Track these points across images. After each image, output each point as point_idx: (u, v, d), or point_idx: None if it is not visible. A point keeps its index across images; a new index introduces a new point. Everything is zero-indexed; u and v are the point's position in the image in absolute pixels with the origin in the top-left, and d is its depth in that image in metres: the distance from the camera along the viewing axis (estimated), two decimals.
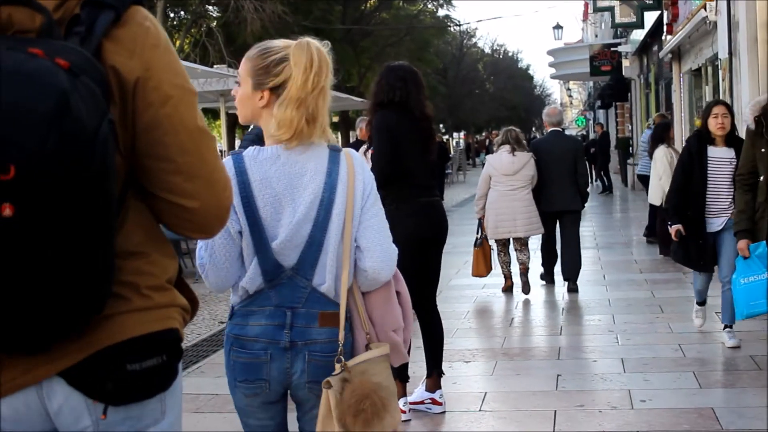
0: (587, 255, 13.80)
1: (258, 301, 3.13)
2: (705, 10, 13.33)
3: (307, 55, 3.06)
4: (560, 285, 11.29)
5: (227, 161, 3.06)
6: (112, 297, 1.90)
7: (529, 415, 6.19)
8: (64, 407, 1.95)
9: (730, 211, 7.39)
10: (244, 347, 3.12)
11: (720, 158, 7.56)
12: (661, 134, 12.51)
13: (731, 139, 7.59)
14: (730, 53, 12.05)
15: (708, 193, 7.59)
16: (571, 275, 10.91)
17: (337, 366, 3.06)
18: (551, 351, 7.99)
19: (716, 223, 7.61)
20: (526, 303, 10.42)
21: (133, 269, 1.98)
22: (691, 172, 7.61)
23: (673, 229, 7.73)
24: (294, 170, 3.10)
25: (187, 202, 2.00)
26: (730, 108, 7.83)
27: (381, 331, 3.22)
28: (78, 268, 1.79)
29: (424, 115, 5.93)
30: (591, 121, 62.75)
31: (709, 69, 15.70)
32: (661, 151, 12.12)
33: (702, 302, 8.26)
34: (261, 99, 3.12)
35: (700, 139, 7.67)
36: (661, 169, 11.99)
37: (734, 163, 7.35)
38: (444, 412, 6.21)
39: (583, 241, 14.91)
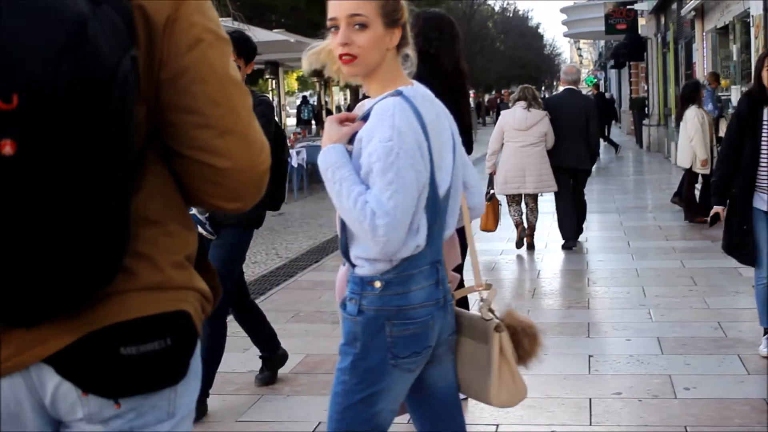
0: (609, 219, 13.35)
1: (415, 261, 2.87)
2: None
3: None
4: (584, 251, 10.77)
5: (398, 102, 2.82)
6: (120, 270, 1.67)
7: (561, 403, 5.54)
8: (57, 397, 1.70)
9: None
10: (408, 317, 2.88)
11: None
12: (692, 94, 12.19)
13: None
14: (765, 9, 11.30)
15: (761, 163, 6.07)
16: (580, 221, 11.15)
17: (487, 312, 3.07)
18: (580, 328, 7.30)
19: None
20: (549, 271, 9.79)
21: (148, 239, 1.75)
22: (741, 140, 6.17)
23: (712, 212, 6.45)
24: (438, 109, 2.98)
25: (218, 161, 1.77)
26: None
27: (447, 269, 3.09)
28: (87, 229, 1.57)
29: (457, 70, 5.32)
30: (602, 81, 62.11)
31: (737, 27, 14.94)
32: (692, 112, 11.89)
33: None
34: (392, 38, 2.92)
35: (752, 99, 6.18)
36: (692, 130, 11.70)
37: None
38: (466, 399, 5.55)
39: (602, 205, 14.62)
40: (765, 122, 6.09)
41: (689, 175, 12.54)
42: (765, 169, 6.06)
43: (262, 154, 1.84)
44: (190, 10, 1.77)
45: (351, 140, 2.91)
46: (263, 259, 11.08)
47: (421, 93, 2.94)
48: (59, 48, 1.50)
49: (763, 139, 6.08)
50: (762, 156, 6.08)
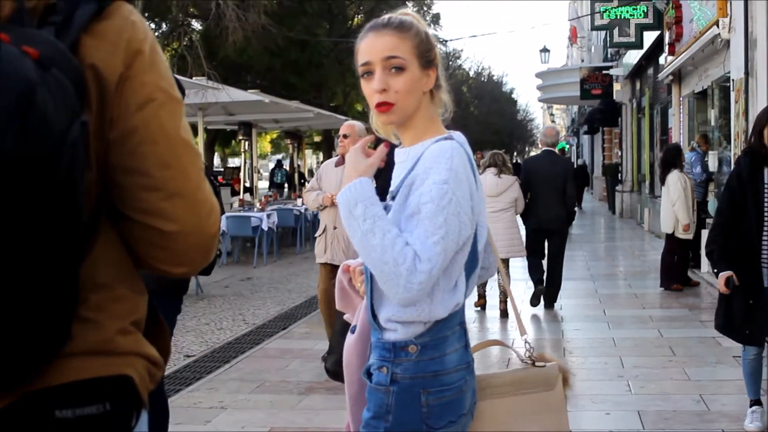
0: (583, 287, 13.10)
1: (449, 322, 2.64)
2: (717, 26, 12.47)
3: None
4: (560, 320, 10.47)
5: (455, 147, 2.61)
6: None
7: None
8: None
9: None
10: (444, 384, 2.62)
11: None
12: (674, 159, 12.20)
13: None
14: (747, 73, 11.18)
15: (766, 231, 5.58)
16: (553, 294, 11.27)
17: (541, 360, 2.99)
18: None
19: None
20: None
21: (95, 303, 1.67)
22: (742, 203, 5.63)
23: (722, 279, 5.67)
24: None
25: (164, 225, 1.71)
26: None
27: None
28: (35, 297, 1.50)
29: None
30: (574, 147, 62.36)
31: (716, 91, 14.85)
32: (674, 176, 11.90)
33: (756, 400, 6.12)
34: (428, 80, 2.69)
35: (754, 159, 5.64)
36: (675, 194, 11.68)
37: None
38: None
39: (576, 272, 14.39)
40: (767, 185, 5.59)
41: (669, 242, 12.37)
42: None
43: (211, 217, 1.77)
44: (143, 67, 1.70)
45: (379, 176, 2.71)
46: (229, 325, 10.72)
47: (463, 138, 2.75)
48: (6, 116, 1.43)
49: (766, 202, 5.58)
50: (766, 221, 5.58)
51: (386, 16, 2.72)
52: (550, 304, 11.24)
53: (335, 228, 7.89)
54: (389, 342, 2.64)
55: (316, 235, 8.35)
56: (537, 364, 2.94)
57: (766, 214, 5.59)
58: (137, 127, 1.67)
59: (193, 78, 16.39)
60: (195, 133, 27.50)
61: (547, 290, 11.20)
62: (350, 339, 2.92)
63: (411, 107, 2.66)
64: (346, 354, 2.93)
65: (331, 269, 7.91)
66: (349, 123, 7.99)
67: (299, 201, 19.10)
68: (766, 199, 5.59)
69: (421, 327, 2.60)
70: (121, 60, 1.67)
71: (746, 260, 5.62)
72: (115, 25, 1.68)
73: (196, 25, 24.46)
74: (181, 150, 1.72)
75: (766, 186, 5.59)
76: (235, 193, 24.01)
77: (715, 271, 5.84)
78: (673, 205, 11.94)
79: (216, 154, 48.99)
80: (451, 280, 2.59)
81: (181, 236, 1.73)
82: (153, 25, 23.38)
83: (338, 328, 6.81)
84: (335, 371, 5.43)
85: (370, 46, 2.66)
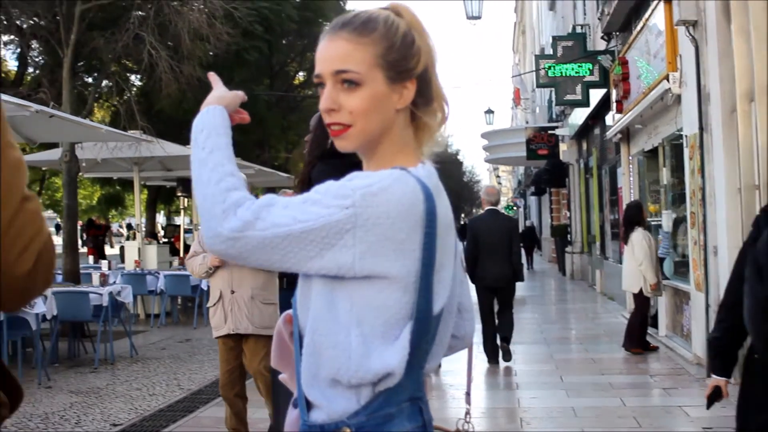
0: (537, 351, 12.59)
1: (392, 395, 1.98)
2: (668, 81, 12.07)
3: (419, 20, 2.12)
4: (514, 387, 9.79)
5: (410, 181, 1.96)
6: None
7: None
8: None
9: None
10: None
11: None
12: (635, 216, 11.85)
13: None
14: (701, 128, 10.73)
15: None
16: (506, 333, 11.40)
17: None
18: None
19: None
20: (476, 409, 8.80)
21: None
22: (758, 278, 3.96)
23: (710, 384, 4.42)
24: (449, 206, 2.11)
25: None
26: None
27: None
28: None
29: None
30: (521, 209, 62.32)
31: (667, 148, 14.45)
32: (638, 235, 11.84)
33: None
34: (401, 97, 2.08)
35: None
36: (641, 253, 11.52)
37: None
38: None
39: (529, 335, 13.92)
40: None
41: (638, 301, 11.93)
42: None
43: (25, 254, 1.60)
44: None
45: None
46: (162, 390, 9.94)
47: (435, 179, 2.10)
48: None
49: None
50: None
51: (354, 12, 2.11)
52: (507, 354, 11.30)
53: (233, 292, 6.89)
54: (316, 425, 2.00)
55: (209, 305, 7.15)
56: None
57: None
58: None
59: (128, 131, 15.67)
60: (130, 188, 26.86)
61: (501, 333, 11.41)
62: (293, 415, 2.20)
63: (373, 130, 2.07)
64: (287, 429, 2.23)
65: (234, 343, 6.96)
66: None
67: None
68: None
69: (353, 401, 1.96)
70: None
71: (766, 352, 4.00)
72: None
73: (134, 79, 23.88)
74: None
75: None
76: (175, 251, 23.21)
77: (711, 374, 4.51)
78: (640, 264, 11.62)
79: (161, 212, 48.19)
80: (391, 329, 1.96)
81: None
82: (90, 80, 22.66)
83: (278, 399, 6.10)
84: None
85: (321, 54, 2.07)
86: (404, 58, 2.06)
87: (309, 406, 2.03)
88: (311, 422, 2.00)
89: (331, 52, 2.04)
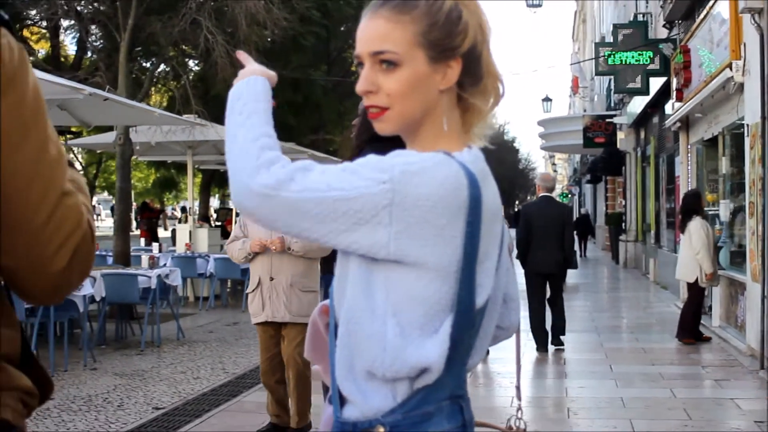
0: (587, 339, 12.46)
1: (431, 393, 1.88)
2: (730, 69, 11.84)
3: None
4: (563, 376, 9.75)
5: (453, 166, 1.87)
6: None
7: None
8: None
9: None
10: None
11: None
12: (693, 205, 11.65)
13: None
14: (763, 117, 10.53)
15: None
16: (561, 323, 11.51)
17: None
18: None
19: None
20: (523, 399, 8.72)
21: None
22: None
23: None
24: (497, 192, 2.05)
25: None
26: None
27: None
28: None
29: None
30: (576, 196, 61.86)
31: (727, 138, 14.21)
32: (696, 223, 11.63)
33: None
34: (444, 77, 1.96)
35: None
36: (698, 243, 11.37)
37: None
38: None
39: (579, 323, 13.79)
40: None
41: (692, 291, 11.79)
42: None
43: (61, 251, 1.61)
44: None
45: None
46: (207, 374, 9.97)
47: (482, 164, 2.02)
48: None
49: None
50: None
51: None
52: (558, 340, 11.46)
53: (272, 279, 6.79)
54: (348, 422, 1.92)
55: (248, 291, 7.07)
56: None
57: None
58: None
59: (183, 115, 15.75)
60: (184, 171, 27.03)
61: (555, 323, 11.51)
62: (327, 412, 2.11)
63: (414, 112, 1.97)
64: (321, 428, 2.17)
65: (274, 331, 6.90)
66: None
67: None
68: None
69: (389, 397, 1.87)
70: None
71: None
72: None
73: (191, 64, 23.95)
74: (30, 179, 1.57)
75: None
76: (226, 234, 23.35)
77: None
78: (697, 253, 11.43)
79: (216, 196, 48.49)
80: (431, 321, 1.86)
81: (21, 271, 1.62)
82: (147, 64, 22.83)
83: None
84: None
85: (360, 34, 1.98)
86: (448, 36, 1.95)
87: (342, 401, 1.96)
88: (344, 419, 1.93)
89: (370, 31, 1.96)
